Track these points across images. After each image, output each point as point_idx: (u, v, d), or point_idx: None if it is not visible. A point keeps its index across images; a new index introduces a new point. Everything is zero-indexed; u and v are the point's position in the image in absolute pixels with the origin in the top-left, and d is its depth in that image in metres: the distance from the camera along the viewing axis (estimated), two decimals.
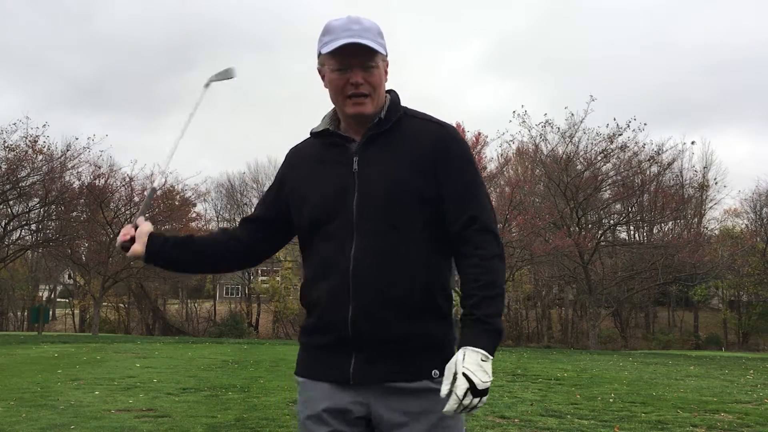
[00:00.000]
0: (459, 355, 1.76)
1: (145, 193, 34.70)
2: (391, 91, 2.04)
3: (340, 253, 1.90)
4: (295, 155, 2.11)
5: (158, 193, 34.97)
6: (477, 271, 1.87)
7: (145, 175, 36.21)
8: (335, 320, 1.90)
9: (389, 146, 1.94)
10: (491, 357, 1.78)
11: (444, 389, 1.73)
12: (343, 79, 1.90)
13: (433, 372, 1.88)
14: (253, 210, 2.22)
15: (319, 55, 1.95)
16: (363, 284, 1.87)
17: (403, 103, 2.04)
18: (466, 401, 1.70)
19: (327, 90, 1.99)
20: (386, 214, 1.88)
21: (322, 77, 1.99)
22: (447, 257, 1.97)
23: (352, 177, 1.93)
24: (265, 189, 2.24)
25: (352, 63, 1.89)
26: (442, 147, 1.94)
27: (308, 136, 2.10)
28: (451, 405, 1.71)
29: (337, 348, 1.91)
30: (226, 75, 2.43)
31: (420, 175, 1.91)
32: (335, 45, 1.86)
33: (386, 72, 1.98)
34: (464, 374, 1.71)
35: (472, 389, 1.70)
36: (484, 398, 1.73)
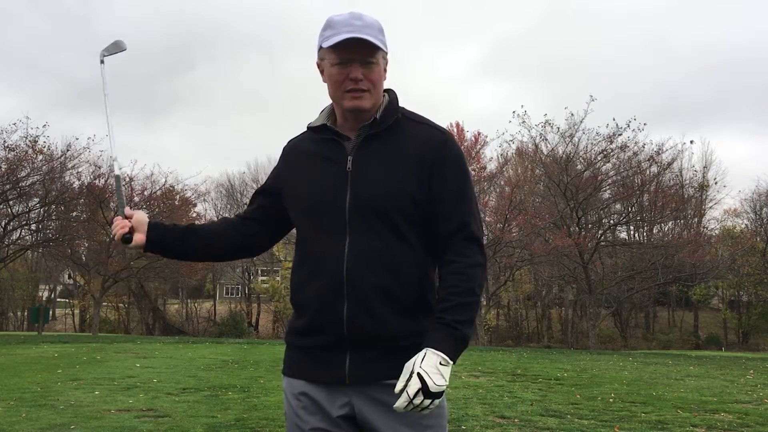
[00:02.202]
0: (419, 355, 1.78)
1: (145, 193, 34.74)
2: (389, 91, 2.04)
3: (333, 252, 1.91)
4: (292, 150, 2.12)
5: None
6: (457, 278, 1.89)
7: (145, 175, 36.31)
8: (330, 319, 1.90)
9: (384, 147, 1.95)
10: (452, 362, 1.79)
11: (398, 386, 1.75)
12: (343, 73, 1.91)
13: None
14: (248, 203, 2.25)
15: (320, 49, 1.95)
16: (357, 283, 1.88)
17: (401, 104, 2.05)
18: (417, 401, 1.72)
19: (325, 85, 1.99)
20: (378, 214, 1.90)
21: (321, 72, 1.99)
22: (435, 256, 1.99)
23: (345, 176, 1.93)
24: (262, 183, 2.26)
25: (352, 58, 1.89)
26: (437, 152, 1.95)
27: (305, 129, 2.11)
28: (400, 402, 1.73)
29: (332, 348, 1.91)
30: (117, 48, 2.41)
31: (413, 178, 1.92)
32: (336, 39, 1.86)
33: (386, 70, 1.99)
34: (419, 374, 1.73)
35: (425, 390, 1.72)
36: (437, 401, 1.75)
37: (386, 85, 2.03)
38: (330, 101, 2.03)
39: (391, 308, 1.88)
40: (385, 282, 1.88)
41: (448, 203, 1.94)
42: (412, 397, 1.71)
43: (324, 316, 1.91)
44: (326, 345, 1.92)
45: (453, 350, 1.79)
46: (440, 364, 1.76)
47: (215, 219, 52.72)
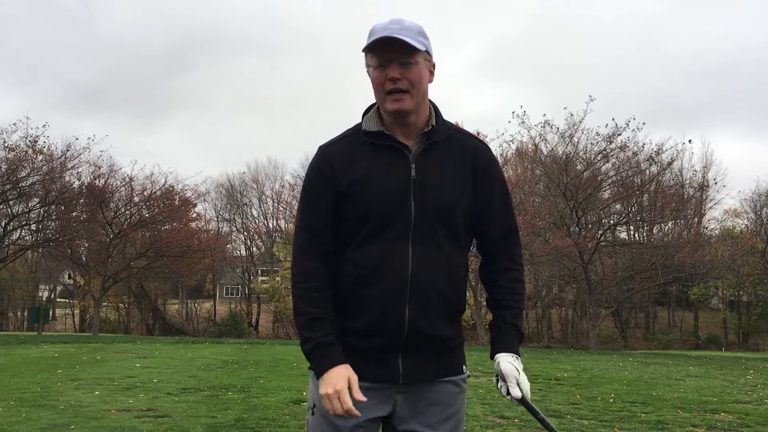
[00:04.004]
0: (514, 363, 2.02)
1: (145, 193, 34.73)
2: (432, 102, 2.08)
3: (395, 258, 1.95)
4: (342, 156, 2.01)
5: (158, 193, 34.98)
6: (517, 285, 2.11)
7: (145, 176, 36.28)
8: (392, 323, 1.95)
9: (443, 157, 2.02)
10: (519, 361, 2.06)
11: (510, 390, 1.99)
12: (383, 75, 1.94)
13: (463, 367, 2.10)
14: (306, 224, 2.04)
15: (365, 57, 1.99)
16: (419, 289, 1.95)
17: None
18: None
19: (372, 88, 2.01)
20: (441, 224, 1.98)
21: (371, 78, 2.01)
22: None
23: (410, 184, 1.96)
24: (306, 199, 2.06)
25: (389, 58, 1.93)
26: (486, 164, 2.07)
27: (344, 133, 2.08)
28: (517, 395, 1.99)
29: (388, 349, 1.97)
30: None
31: (470, 188, 2.03)
32: (371, 40, 1.91)
33: (432, 73, 2.03)
34: (519, 383, 1.98)
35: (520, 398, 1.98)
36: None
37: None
38: (374, 103, 2.07)
39: (444, 312, 2.01)
40: (444, 287, 1.99)
41: (498, 209, 2.09)
42: (515, 402, 1.99)
43: (386, 319, 1.95)
44: (384, 347, 1.98)
45: (518, 349, 2.07)
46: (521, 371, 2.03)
47: (215, 219, 52.45)
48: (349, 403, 1.82)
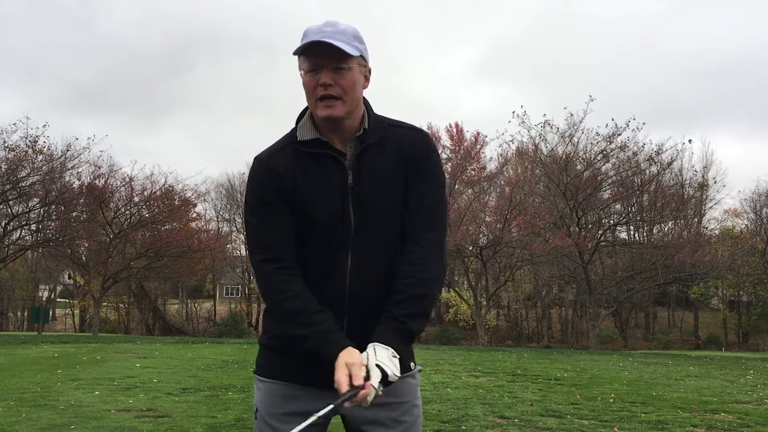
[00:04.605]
0: (369, 350, 1.80)
1: (145, 193, 34.73)
2: (365, 101, 2.02)
3: (335, 268, 1.94)
4: (285, 167, 1.97)
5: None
6: (413, 268, 1.91)
7: (145, 176, 36.27)
8: None
9: (377, 160, 1.96)
10: (398, 356, 1.81)
11: (357, 381, 1.73)
12: (314, 80, 1.89)
13: (411, 364, 2.01)
14: (262, 242, 2.00)
15: (298, 59, 1.93)
16: (358, 298, 1.94)
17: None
18: (381, 391, 1.75)
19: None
20: (381, 232, 1.95)
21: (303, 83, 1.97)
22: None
23: (348, 194, 1.94)
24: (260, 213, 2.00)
25: (321, 63, 1.87)
26: (419, 154, 1.99)
27: (280, 141, 2.03)
28: (371, 397, 1.73)
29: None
30: None
31: (403, 187, 1.97)
32: (302, 43, 1.86)
33: (367, 78, 1.97)
34: (378, 365, 1.75)
35: (384, 380, 1.75)
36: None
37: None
38: (306, 107, 2.01)
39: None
40: (383, 294, 1.92)
41: (427, 204, 1.98)
42: (377, 387, 1.73)
43: None
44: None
45: (399, 344, 1.83)
46: (392, 356, 1.80)
47: (215, 219, 52.26)
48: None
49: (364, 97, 2.01)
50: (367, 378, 1.74)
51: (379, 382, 1.74)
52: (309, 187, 1.95)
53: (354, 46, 1.88)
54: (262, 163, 2.01)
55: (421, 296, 1.89)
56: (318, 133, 1.97)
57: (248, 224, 2.02)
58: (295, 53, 1.90)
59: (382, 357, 1.78)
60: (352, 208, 1.93)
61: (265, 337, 2.08)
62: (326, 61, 1.86)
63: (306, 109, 2.01)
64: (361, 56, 1.91)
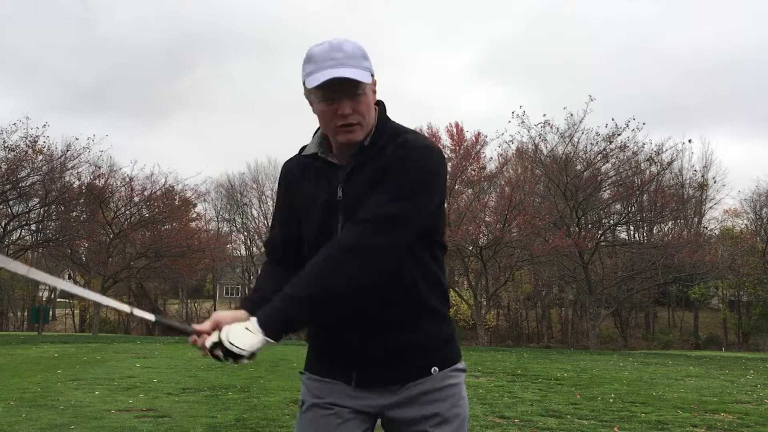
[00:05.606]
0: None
1: (145, 193, 34.73)
2: (379, 103, 1.99)
3: None
4: (293, 175, 2.09)
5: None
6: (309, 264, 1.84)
7: (145, 176, 36.28)
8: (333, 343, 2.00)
9: (371, 173, 1.89)
10: (260, 330, 1.73)
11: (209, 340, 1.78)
12: (331, 110, 1.87)
13: (432, 369, 1.97)
14: (267, 239, 2.22)
15: (304, 83, 1.89)
16: (356, 311, 1.91)
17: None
18: (216, 353, 1.75)
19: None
20: None
21: (311, 103, 1.95)
22: (421, 262, 1.95)
23: (337, 206, 1.93)
24: (273, 206, 2.23)
25: (338, 94, 1.85)
26: (396, 153, 1.87)
27: (301, 148, 2.10)
28: (202, 350, 1.79)
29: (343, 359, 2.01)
30: None
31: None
32: (320, 80, 1.81)
33: (374, 91, 1.96)
34: (222, 331, 1.76)
35: (221, 345, 1.73)
36: (241, 360, 1.75)
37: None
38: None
39: (385, 329, 1.98)
40: (380, 305, 1.93)
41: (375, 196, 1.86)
42: (208, 346, 1.76)
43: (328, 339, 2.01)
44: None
45: (264, 319, 1.75)
46: (245, 328, 1.75)
47: (215, 219, 52.36)
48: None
49: (381, 102, 2.00)
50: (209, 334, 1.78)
51: (213, 345, 1.75)
52: (303, 195, 2.03)
53: (365, 68, 1.87)
54: (283, 165, 2.16)
55: (304, 281, 1.78)
56: (321, 148, 2.00)
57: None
58: (312, 87, 1.84)
59: (234, 326, 1.75)
60: (341, 221, 1.91)
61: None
62: (344, 91, 1.85)
63: None
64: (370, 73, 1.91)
